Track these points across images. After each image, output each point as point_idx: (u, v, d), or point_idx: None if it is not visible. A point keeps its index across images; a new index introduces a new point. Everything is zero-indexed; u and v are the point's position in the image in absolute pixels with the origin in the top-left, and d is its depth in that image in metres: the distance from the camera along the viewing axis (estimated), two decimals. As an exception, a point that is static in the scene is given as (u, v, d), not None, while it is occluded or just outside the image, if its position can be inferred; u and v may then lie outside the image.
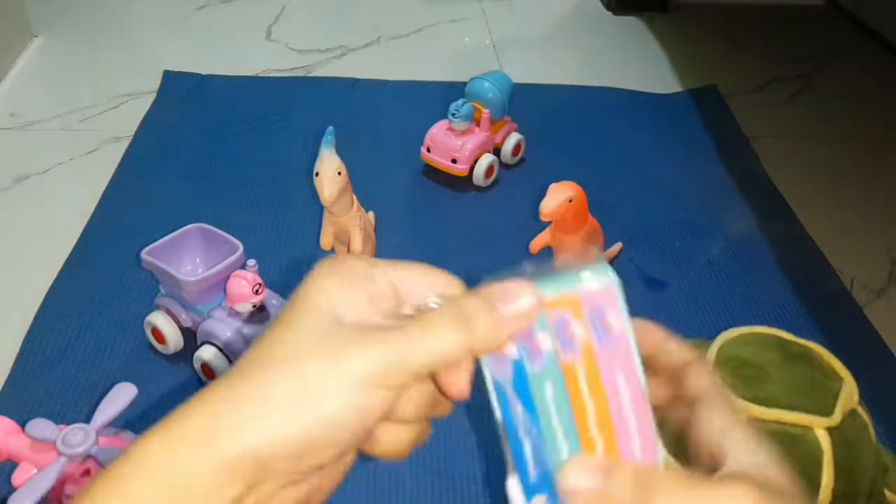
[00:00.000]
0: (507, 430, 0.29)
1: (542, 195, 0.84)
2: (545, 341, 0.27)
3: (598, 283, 0.27)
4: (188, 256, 0.86)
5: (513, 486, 0.29)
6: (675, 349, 0.32)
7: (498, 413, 0.29)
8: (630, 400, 0.28)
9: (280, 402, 0.25)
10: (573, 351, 0.27)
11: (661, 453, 0.28)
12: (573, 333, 0.27)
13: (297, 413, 0.25)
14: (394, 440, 0.29)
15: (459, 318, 0.27)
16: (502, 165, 1.15)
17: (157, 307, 0.85)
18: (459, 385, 0.28)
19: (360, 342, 0.26)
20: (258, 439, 0.25)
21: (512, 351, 0.28)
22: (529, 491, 0.28)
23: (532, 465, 0.28)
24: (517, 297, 0.27)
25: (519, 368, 0.28)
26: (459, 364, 0.28)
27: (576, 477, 0.27)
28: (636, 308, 0.28)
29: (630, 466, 0.27)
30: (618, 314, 0.27)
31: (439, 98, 1.25)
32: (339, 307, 0.27)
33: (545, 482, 0.28)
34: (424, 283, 0.30)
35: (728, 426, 0.29)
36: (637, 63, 1.52)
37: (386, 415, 0.27)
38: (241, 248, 0.81)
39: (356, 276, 0.28)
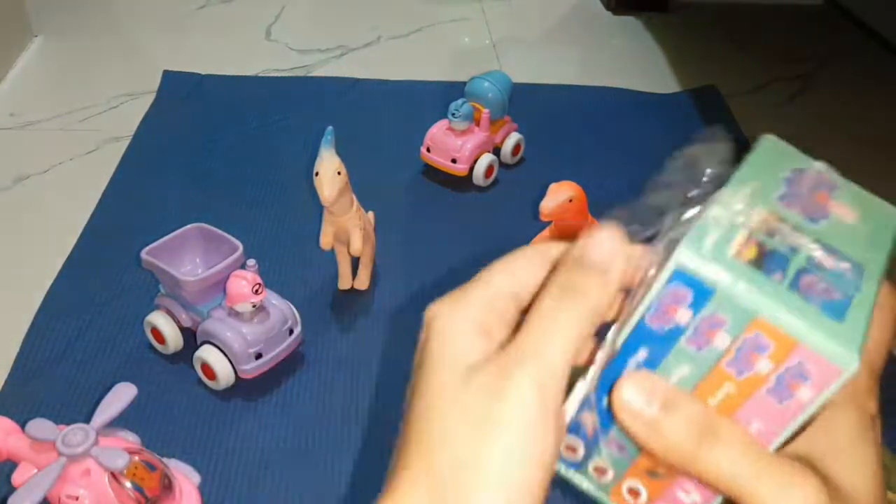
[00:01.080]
0: (621, 352, 0.25)
1: (542, 195, 0.84)
2: (723, 341, 0.23)
3: (833, 355, 0.22)
4: (188, 256, 0.86)
5: (582, 387, 0.26)
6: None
7: (621, 336, 0.25)
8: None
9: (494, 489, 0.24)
10: (739, 372, 0.23)
11: None
12: (756, 366, 0.23)
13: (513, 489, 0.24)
14: None
15: (571, 296, 0.25)
16: (502, 165, 1.15)
17: (157, 307, 0.85)
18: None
19: (500, 388, 0.24)
20: None
21: (683, 317, 0.24)
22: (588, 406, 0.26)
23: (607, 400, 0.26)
24: (601, 242, 0.26)
25: (676, 334, 0.24)
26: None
27: (632, 392, 0.24)
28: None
29: (697, 405, 0.24)
30: (814, 396, 0.23)
31: (439, 98, 1.25)
32: (466, 353, 0.26)
33: (607, 415, 0.26)
34: (534, 270, 0.28)
35: (855, 443, 0.24)
36: (637, 63, 1.52)
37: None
38: (241, 248, 0.81)
39: (471, 310, 0.27)
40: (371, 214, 0.96)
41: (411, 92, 1.37)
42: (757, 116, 1.35)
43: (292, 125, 1.26)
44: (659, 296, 0.24)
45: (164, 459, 0.65)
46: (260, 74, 1.42)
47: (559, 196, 0.83)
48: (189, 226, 0.85)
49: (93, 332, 0.88)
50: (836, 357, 0.22)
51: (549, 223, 0.88)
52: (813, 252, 0.24)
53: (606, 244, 0.26)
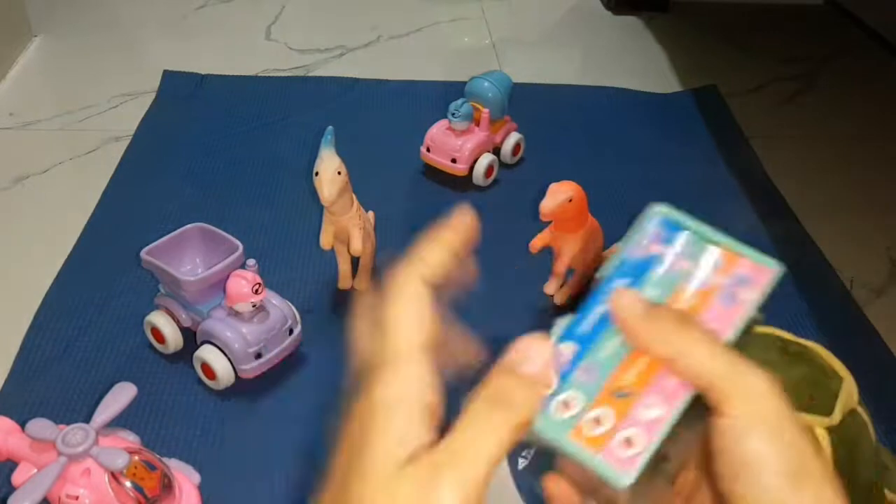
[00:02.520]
0: (603, 282, 0.32)
1: (542, 195, 0.84)
2: (688, 266, 0.31)
3: (764, 261, 0.31)
4: (188, 256, 0.86)
5: (560, 323, 0.31)
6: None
7: (607, 269, 0.32)
8: None
9: None
10: (698, 285, 0.31)
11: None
12: (712, 280, 0.31)
13: None
14: None
15: (502, 407, 0.26)
16: (502, 165, 1.15)
17: (156, 307, 0.85)
18: None
19: (430, 489, 0.25)
20: None
21: (658, 249, 0.32)
22: (569, 335, 0.31)
23: (588, 323, 0.31)
24: (532, 350, 0.28)
25: (649, 264, 0.31)
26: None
27: (629, 296, 0.30)
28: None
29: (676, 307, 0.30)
30: (753, 294, 0.30)
31: (439, 98, 1.25)
32: (408, 440, 0.26)
33: (586, 339, 0.30)
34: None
35: None
36: (637, 63, 1.52)
37: None
38: (241, 247, 0.81)
39: (420, 385, 0.28)
40: (371, 214, 0.96)
41: (411, 92, 1.37)
42: (757, 116, 1.35)
43: (292, 125, 1.26)
44: (640, 235, 0.33)
45: (164, 459, 0.66)
46: (260, 74, 1.42)
47: (559, 196, 0.83)
48: (189, 226, 0.85)
49: (93, 331, 0.88)
50: (770, 263, 0.31)
51: (549, 223, 0.88)
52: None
53: (538, 358, 0.28)
